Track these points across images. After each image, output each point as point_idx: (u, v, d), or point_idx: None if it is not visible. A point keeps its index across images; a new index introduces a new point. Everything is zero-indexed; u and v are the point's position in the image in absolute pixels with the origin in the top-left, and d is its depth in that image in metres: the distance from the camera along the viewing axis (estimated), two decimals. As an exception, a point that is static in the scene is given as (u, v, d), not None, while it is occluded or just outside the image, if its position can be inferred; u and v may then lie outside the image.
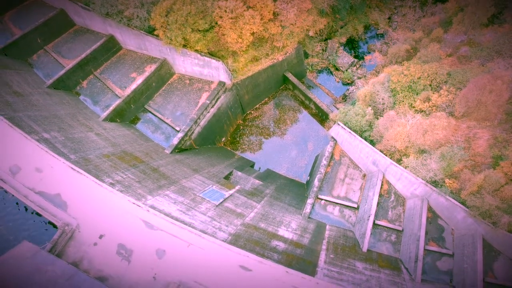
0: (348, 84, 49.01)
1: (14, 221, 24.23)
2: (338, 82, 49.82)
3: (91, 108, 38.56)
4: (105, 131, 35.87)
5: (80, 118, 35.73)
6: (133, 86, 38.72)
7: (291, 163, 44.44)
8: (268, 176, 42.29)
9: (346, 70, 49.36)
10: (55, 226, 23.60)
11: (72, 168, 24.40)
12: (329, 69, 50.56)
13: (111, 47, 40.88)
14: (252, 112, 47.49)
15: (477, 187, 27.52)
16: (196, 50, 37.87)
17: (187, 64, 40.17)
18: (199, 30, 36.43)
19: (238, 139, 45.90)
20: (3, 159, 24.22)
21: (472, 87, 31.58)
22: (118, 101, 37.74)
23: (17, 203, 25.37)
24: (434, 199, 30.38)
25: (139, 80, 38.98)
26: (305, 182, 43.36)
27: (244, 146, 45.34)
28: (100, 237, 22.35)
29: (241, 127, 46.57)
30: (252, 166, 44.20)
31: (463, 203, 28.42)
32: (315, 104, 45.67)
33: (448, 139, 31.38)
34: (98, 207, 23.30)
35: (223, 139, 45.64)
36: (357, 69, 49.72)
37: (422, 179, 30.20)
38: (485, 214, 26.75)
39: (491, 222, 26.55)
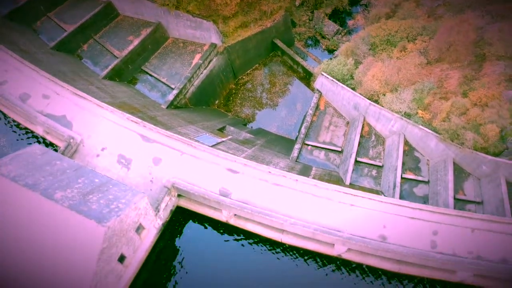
0: (334, 50, 51.72)
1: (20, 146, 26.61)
2: (325, 50, 52.58)
3: (92, 68, 41.19)
4: (105, 86, 38.43)
5: (81, 74, 38.32)
6: (130, 47, 41.40)
7: (281, 122, 47.00)
8: (259, 133, 44.79)
9: (332, 38, 52.15)
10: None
11: (75, 93, 27.00)
12: (315, 37, 53.35)
13: (109, 13, 43.58)
14: (244, 77, 50.13)
15: (446, 113, 30.15)
16: (188, 11, 40.63)
17: (180, 26, 42.89)
18: (191, -8, 39.31)
19: (231, 101, 48.47)
20: (14, 88, 26.80)
21: (442, 31, 34.42)
22: (116, 61, 40.37)
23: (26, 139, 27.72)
24: (409, 131, 32.95)
25: (136, 42, 41.69)
26: (294, 139, 45.83)
27: (236, 108, 47.87)
28: (102, 149, 24.87)
29: (234, 91, 49.17)
30: (245, 124, 46.73)
31: (434, 130, 30.99)
32: (302, 67, 48.39)
33: (421, 78, 34.02)
34: (100, 125, 25.83)
35: (217, 101, 48.22)
36: (342, 36, 52.51)
37: (398, 113, 32.77)
38: (453, 136, 29.31)
39: (459, 143, 29.10)
